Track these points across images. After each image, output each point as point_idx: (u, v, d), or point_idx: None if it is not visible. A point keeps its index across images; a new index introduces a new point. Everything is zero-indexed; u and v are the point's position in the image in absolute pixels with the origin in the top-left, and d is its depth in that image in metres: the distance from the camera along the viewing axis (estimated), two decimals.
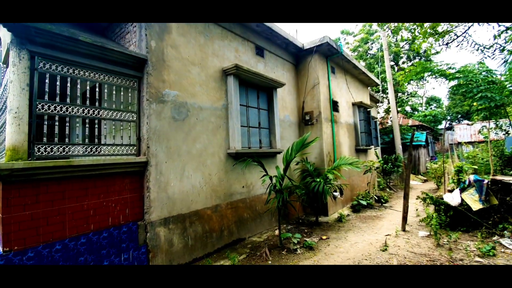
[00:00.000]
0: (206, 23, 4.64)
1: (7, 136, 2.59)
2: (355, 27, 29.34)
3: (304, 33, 75.13)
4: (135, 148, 3.64)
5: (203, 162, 4.33)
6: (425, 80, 20.91)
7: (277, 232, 5.25)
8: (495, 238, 4.28)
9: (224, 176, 4.69)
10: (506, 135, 7.00)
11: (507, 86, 5.69)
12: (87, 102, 3.25)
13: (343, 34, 20.74)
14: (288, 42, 6.27)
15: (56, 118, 2.99)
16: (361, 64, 14.08)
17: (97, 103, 3.48)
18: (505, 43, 4.98)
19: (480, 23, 4.30)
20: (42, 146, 2.77)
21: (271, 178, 4.59)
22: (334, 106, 7.34)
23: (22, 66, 2.68)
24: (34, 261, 2.57)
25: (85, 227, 3.00)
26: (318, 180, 5.58)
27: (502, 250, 3.89)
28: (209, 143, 4.47)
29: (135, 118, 3.67)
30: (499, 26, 4.50)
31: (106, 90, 3.55)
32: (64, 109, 2.99)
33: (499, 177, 5.20)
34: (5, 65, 3.13)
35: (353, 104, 8.75)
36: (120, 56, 3.43)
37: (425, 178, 12.93)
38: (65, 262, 2.77)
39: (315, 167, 6.37)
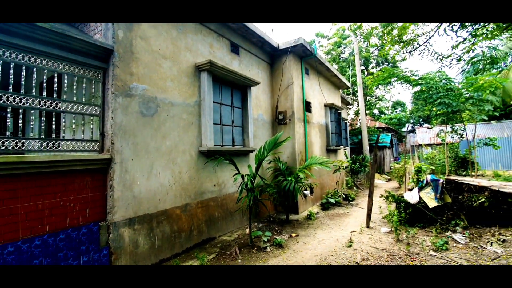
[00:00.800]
0: None
1: None
2: (330, 31, 30.27)
3: (280, 33, 75.97)
4: (97, 144, 3.42)
5: (173, 160, 4.19)
6: (392, 85, 22.23)
7: (248, 230, 5.26)
8: (448, 233, 4.67)
9: (195, 175, 4.59)
10: (461, 138, 7.68)
11: (464, 94, 6.22)
12: (44, 93, 2.98)
13: (318, 36, 21.28)
14: (264, 41, 6.28)
15: (9, 109, 2.71)
16: (334, 67, 14.59)
17: (55, 95, 3.20)
18: (462, 53, 5.42)
19: (446, 32, 4.62)
20: None
21: (242, 176, 4.58)
22: (307, 106, 7.51)
23: None
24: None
25: (39, 228, 2.76)
26: (289, 179, 5.68)
27: (454, 244, 4.26)
28: (180, 141, 4.33)
29: (98, 112, 3.44)
30: (457, 37, 4.89)
31: (66, 81, 3.29)
32: (17, 99, 2.71)
33: (453, 177, 5.69)
34: None
35: (325, 105, 9.03)
36: (83, 45, 3.19)
37: (389, 178, 13.78)
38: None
39: (287, 166, 6.47)
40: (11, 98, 2.67)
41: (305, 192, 6.29)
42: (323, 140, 8.75)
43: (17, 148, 2.70)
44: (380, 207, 6.71)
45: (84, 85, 3.40)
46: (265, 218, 6.32)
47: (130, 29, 3.70)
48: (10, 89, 2.71)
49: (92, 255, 3.10)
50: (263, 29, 25.74)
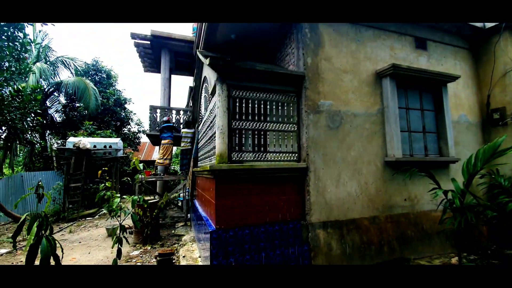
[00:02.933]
0: (357, 28, 4.58)
1: (216, 146, 3.64)
2: None
3: None
4: (296, 155, 4.10)
5: (358, 170, 4.22)
6: None
7: (454, 260, 4.24)
8: None
9: (381, 186, 4.35)
10: None
11: None
12: (255, 117, 4.02)
13: None
14: (461, 24, 5.06)
15: (237, 131, 3.91)
16: None
17: (261, 117, 4.24)
18: None
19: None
20: (233, 153, 3.69)
21: (445, 192, 3.79)
22: None
23: (224, 95, 3.72)
24: (232, 239, 3.43)
25: (262, 218, 3.67)
26: None
27: None
28: (364, 151, 4.31)
29: (295, 129, 4.14)
30: None
31: (268, 106, 4.23)
32: (243, 124, 3.85)
33: None
34: (211, 95, 4.44)
35: None
36: (284, 77, 4.02)
37: None
38: (250, 243, 3.50)
39: None
40: (241, 123, 3.82)
41: None
42: None
43: (240, 158, 3.78)
44: None
45: (284, 107, 4.23)
46: (478, 248, 4.80)
47: (316, 54, 4.23)
48: (237, 116, 3.89)
49: (297, 248, 3.69)
50: None
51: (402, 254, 4.28)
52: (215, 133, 3.89)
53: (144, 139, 19.57)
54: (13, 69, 6.84)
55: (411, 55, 4.98)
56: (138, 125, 17.48)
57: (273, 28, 4.97)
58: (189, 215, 7.80)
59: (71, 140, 10.71)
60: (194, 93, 7.08)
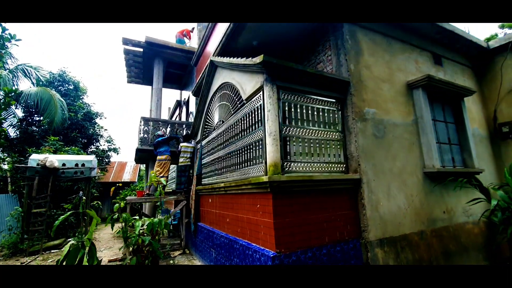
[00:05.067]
0: (388, 40, 4.60)
1: (268, 154, 3.14)
2: None
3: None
4: (343, 166, 3.75)
5: (403, 181, 4.01)
6: None
7: None
8: None
9: (424, 198, 4.17)
10: None
11: None
12: (298, 123, 3.64)
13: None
14: (470, 44, 5.43)
15: (287, 139, 3.47)
16: None
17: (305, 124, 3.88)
18: None
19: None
20: (286, 163, 3.22)
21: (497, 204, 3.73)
22: None
23: (275, 98, 3.30)
24: (295, 263, 2.86)
25: (322, 238, 3.17)
26: None
27: None
28: (406, 161, 4.14)
29: (340, 137, 3.83)
30: None
31: (310, 112, 3.89)
32: (293, 130, 3.43)
33: None
34: (245, 101, 3.97)
35: None
36: (331, 82, 3.76)
37: None
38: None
39: None
40: (288, 129, 3.40)
41: None
42: None
43: (288, 169, 3.30)
44: None
45: (326, 114, 3.93)
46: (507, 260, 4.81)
47: (358, 62, 4.08)
48: (287, 122, 3.48)
49: None
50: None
51: None
52: (254, 142, 3.42)
53: (114, 158, 17.72)
54: None
55: (431, 69, 5.14)
56: (109, 142, 15.80)
57: (301, 35, 4.80)
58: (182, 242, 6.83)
59: (34, 158, 9.09)
60: (199, 104, 6.50)
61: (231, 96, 4.63)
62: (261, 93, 3.46)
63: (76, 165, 9.56)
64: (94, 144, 15.37)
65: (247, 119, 3.87)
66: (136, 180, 17.86)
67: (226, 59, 4.57)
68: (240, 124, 4.13)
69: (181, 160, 7.04)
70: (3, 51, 5.64)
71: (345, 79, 3.83)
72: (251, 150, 3.68)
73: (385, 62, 4.44)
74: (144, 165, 10.40)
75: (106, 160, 15.90)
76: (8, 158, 10.77)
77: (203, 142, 6.45)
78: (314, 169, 3.49)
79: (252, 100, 3.72)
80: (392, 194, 3.81)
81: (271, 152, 3.13)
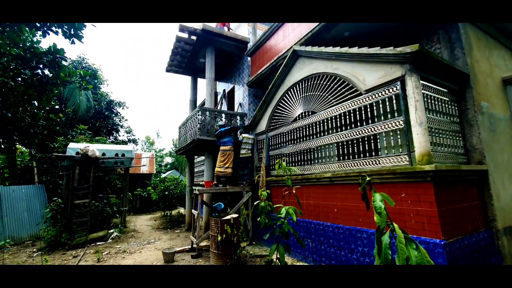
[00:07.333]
0: (486, 37, 4.70)
1: (419, 144, 3.19)
2: None
3: None
4: (465, 157, 3.85)
5: (511, 174, 4.16)
6: None
7: None
8: None
9: None
10: None
11: None
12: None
13: None
14: None
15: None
16: None
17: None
18: None
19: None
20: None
21: None
22: None
23: (420, 88, 3.33)
24: (459, 252, 2.94)
25: (465, 228, 3.26)
26: None
27: None
28: (510, 155, 4.29)
29: (459, 129, 3.92)
30: None
31: (431, 102, 3.93)
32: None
33: None
34: (365, 91, 3.97)
35: None
36: (456, 74, 3.83)
37: None
38: (469, 256, 3.04)
39: None
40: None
41: None
42: None
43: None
44: None
45: (446, 106, 4.00)
46: None
47: (470, 56, 4.14)
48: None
49: (492, 260, 3.35)
50: None
51: None
52: (383, 132, 3.44)
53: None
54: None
55: None
56: (128, 133, 15.40)
57: (402, 27, 4.81)
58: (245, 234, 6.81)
59: (73, 147, 8.78)
60: (267, 95, 6.44)
61: (331, 86, 4.62)
62: (396, 83, 3.50)
63: (116, 155, 9.31)
64: (113, 135, 14.94)
65: (366, 110, 3.90)
66: (155, 171, 17.50)
67: (329, 49, 4.55)
68: (351, 114, 4.15)
69: (242, 151, 6.97)
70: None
71: (466, 72, 3.91)
72: (372, 141, 3.71)
73: (486, 58, 4.54)
74: (185, 156, 10.20)
75: None
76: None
77: (270, 134, 6.42)
78: (439, 159, 3.57)
79: (377, 91, 3.75)
80: (505, 185, 3.95)
81: (423, 141, 3.18)
